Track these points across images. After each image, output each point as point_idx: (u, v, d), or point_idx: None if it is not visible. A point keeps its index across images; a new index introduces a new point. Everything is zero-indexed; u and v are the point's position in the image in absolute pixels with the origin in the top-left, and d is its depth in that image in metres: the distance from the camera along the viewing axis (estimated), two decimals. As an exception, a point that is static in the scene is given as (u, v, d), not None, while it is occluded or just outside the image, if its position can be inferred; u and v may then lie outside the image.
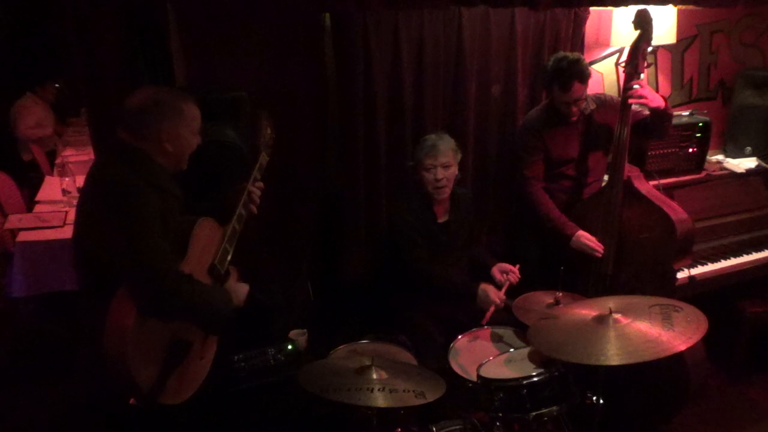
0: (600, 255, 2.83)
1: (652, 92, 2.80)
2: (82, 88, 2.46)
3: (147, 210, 1.79)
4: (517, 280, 2.80)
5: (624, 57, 3.53)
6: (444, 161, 2.73)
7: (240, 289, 2.13)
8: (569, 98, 2.85)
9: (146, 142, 1.89)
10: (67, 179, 4.03)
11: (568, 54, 2.89)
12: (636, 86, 2.73)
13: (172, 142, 1.92)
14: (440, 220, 2.86)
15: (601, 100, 3.04)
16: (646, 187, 2.89)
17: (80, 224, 1.90)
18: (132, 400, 1.77)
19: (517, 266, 2.83)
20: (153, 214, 1.80)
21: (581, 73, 2.82)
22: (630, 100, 2.74)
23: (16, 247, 3.46)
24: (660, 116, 2.87)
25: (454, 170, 2.78)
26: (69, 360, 3.10)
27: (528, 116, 3.11)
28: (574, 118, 2.94)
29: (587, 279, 2.88)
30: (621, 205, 2.82)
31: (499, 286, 2.75)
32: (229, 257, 2.07)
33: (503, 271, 2.84)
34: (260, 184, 2.24)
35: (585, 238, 2.86)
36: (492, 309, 2.65)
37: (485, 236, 3.41)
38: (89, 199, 1.88)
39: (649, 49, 2.80)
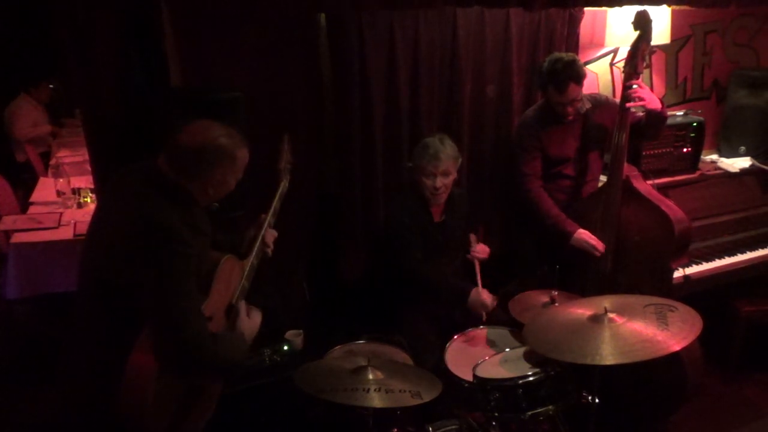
0: (600, 253, 2.83)
1: (650, 93, 2.82)
2: (77, 88, 2.45)
3: (189, 260, 1.70)
4: (486, 256, 2.90)
5: (619, 57, 3.55)
6: (444, 169, 2.71)
7: (253, 324, 2.01)
8: (565, 99, 2.86)
9: (192, 182, 1.79)
10: (61, 180, 4.02)
11: (563, 55, 2.89)
12: (635, 86, 2.73)
13: (216, 187, 1.84)
14: (437, 220, 2.86)
15: (597, 100, 3.05)
16: (645, 186, 2.90)
17: (105, 249, 1.75)
18: None
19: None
20: (192, 264, 1.71)
21: (577, 75, 2.82)
22: (629, 104, 2.75)
23: (11, 248, 3.45)
24: (656, 118, 2.88)
25: (453, 177, 2.77)
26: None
27: (524, 116, 3.11)
28: (570, 118, 2.95)
29: (584, 278, 2.88)
30: (620, 204, 2.82)
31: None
32: (245, 294, 2.00)
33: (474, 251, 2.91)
34: (274, 232, 2.17)
35: (586, 236, 2.86)
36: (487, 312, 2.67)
37: (481, 237, 3.41)
38: (122, 229, 1.71)
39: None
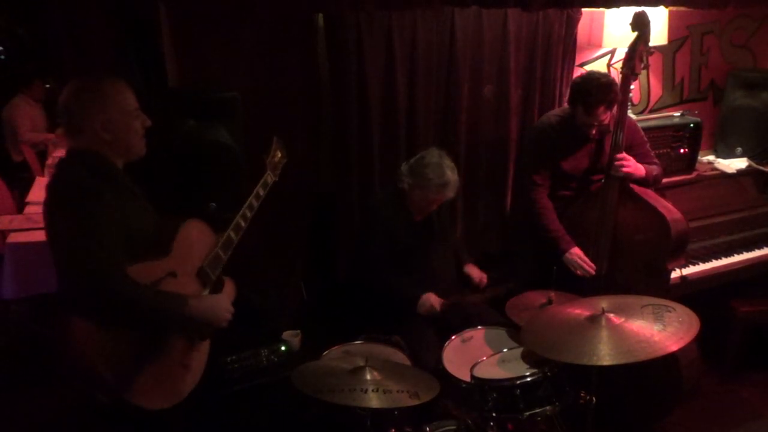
0: (589, 276, 2.83)
1: (634, 164, 2.80)
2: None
3: (98, 204, 1.71)
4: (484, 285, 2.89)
5: (616, 58, 3.55)
6: (449, 195, 2.69)
7: (217, 303, 1.94)
8: (591, 120, 2.79)
9: (83, 137, 1.81)
10: (58, 180, 4.00)
11: (601, 75, 2.81)
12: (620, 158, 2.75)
13: (107, 130, 1.81)
14: (417, 219, 2.82)
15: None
16: (641, 187, 2.89)
17: (47, 233, 1.85)
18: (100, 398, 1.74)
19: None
20: (105, 209, 1.72)
21: (610, 100, 2.73)
22: (616, 172, 2.76)
23: (7, 248, 3.43)
24: (643, 182, 2.87)
25: None
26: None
27: (546, 121, 3.02)
28: (592, 135, 2.88)
29: (581, 279, 2.88)
30: (616, 205, 2.82)
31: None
32: (221, 264, 2.01)
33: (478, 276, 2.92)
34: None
35: (577, 256, 2.86)
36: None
37: (479, 235, 3.41)
38: (46, 208, 1.81)
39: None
